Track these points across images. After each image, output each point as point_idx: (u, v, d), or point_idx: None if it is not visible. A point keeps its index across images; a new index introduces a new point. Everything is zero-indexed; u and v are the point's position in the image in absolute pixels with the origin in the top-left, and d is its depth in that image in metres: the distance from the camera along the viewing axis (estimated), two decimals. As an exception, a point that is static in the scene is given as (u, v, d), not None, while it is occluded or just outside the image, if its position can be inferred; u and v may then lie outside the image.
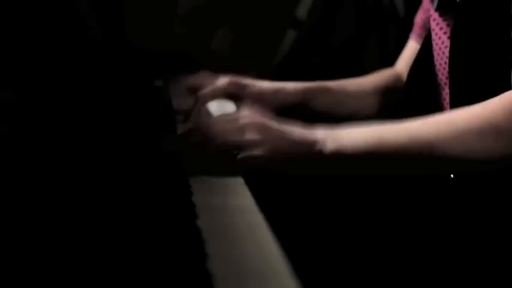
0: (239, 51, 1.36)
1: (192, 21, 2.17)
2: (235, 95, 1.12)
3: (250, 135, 0.75)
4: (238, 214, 0.62)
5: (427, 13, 1.10)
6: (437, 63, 0.95)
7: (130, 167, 0.76)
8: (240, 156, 0.74)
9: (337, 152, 0.75)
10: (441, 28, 0.92)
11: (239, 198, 0.67)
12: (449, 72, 0.89)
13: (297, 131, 0.77)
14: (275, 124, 0.77)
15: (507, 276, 0.83)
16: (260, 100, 1.10)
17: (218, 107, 1.10)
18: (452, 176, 0.91)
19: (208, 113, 1.05)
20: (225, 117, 0.80)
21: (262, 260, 0.52)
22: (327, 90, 1.17)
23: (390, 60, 1.30)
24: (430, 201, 0.95)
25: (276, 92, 1.13)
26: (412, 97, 1.03)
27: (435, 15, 0.93)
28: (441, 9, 0.91)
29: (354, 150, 0.75)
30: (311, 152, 0.75)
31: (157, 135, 0.96)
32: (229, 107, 1.12)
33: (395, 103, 1.18)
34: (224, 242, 0.55)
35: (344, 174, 0.80)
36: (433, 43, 0.95)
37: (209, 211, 0.62)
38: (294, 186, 1.11)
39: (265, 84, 1.14)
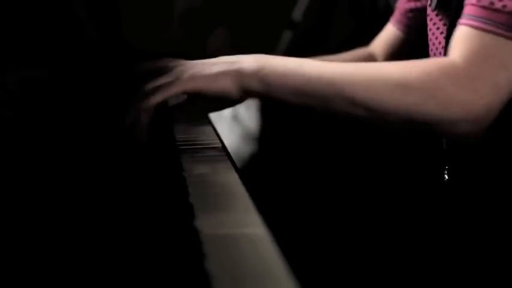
0: (236, 52, 1.37)
1: (188, 23, 2.17)
2: None
3: (174, 68, 0.80)
4: (235, 214, 0.62)
5: (410, 4, 1.11)
6: None
7: (127, 168, 0.76)
8: (165, 86, 0.78)
9: (256, 72, 0.78)
10: (438, 28, 0.93)
11: (236, 199, 0.67)
12: None
13: (221, 56, 0.82)
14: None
15: (504, 277, 0.83)
16: None
17: None
18: (446, 177, 0.91)
19: None
20: (147, 67, 0.84)
21: (260, 261, 0.52)
22: None
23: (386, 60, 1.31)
24: (426, 202, 0.95)
25: None
26: None
27: (432, 14, 0.94)
28: (439, 8, 0.92)
29: (271, 72, 0.78)
30: (231, 70, 0.78)
31: (154, 136, 0.96)
32: None
33: None
34: (222, 243, 0.55)
35: (260, 98, 0.82)
36: (430, 42, 0.95)
37: (206, 212, 0.62)
38: (292, 188, 1.12)
39: None
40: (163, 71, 0.81)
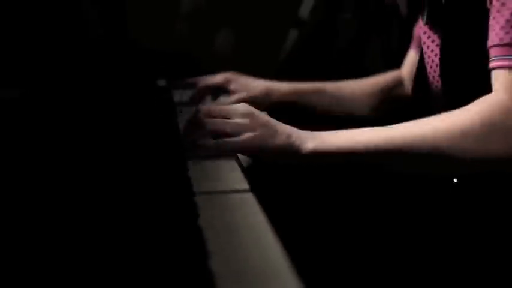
0: (241, 51, 1.37)
1: (194, 21, 2.17)
2: (230, 91, 1.24)
3: (237, 120, 0.81)
4: (239, 213, 0.63)
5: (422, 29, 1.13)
6: (430, 76, 0.95)
7: (132, 167, 0.76)
8: (226, 140, 0.80)
9: (315, 151, 0.80)
10: (433, 41, 0.93)
11: (242, 199, 0.67)
12: (442, 83, 0.90)
13: (283, 124, 0.82)
14: (263, 114, 0.82)
15: (508, 278, 0.83)
16: (253, 98, 1.19)
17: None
18: (455, 180, 0.90)
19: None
20: (216, 106, 0.85)
21: (264, 259, 0.52)
22: (322, 90, 1.23)
23: (392, 59, 1.32)
24: (433, 203, 0.95)
25: (269, 92, 1.22)
26: (414, 108, 1.05)
27: (425, 28, 0.94)
28: (431, 22, 0.92)
29: (333, 150, 0.80)
30: (291, 147, 0.79)
31: (159, 135, 0.96)
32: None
33: (397, 105, 1.22)
34: (225, 241, 0.55)
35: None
36: (425, 55, 0.95)
37: (210, 210, 0.63)
38: (296, 186, 1.12)
39: (259, 84, 1.23)
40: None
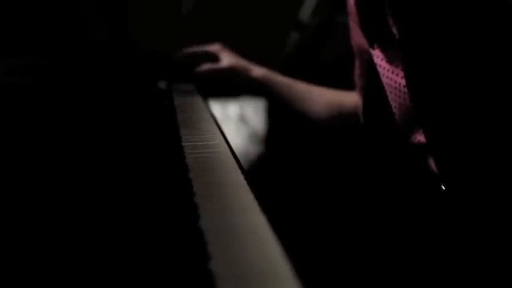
0: (242, 53, 1.38)
1: (195, 24, 2.17)
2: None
3: None
4: (240, 215, 0.62)
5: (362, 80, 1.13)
6: (391, 95, 0.94)
7: (132, 168, 0.76)
8: None
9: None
10: (382, 59, 0.93)
11: (241, 199, 0.67)
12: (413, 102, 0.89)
13: None
14: None
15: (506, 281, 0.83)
16: (232, 68, 1.33)
17: (221, 109, 1.11)
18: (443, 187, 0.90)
19: None
20: None
21: (264, 261, 0.52)
22: (293, 86, 1.33)
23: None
24: (426, 209, 0.95)
25: (247, 69, 1.32)
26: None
27: (374, 51, 0.94)
28: (379, 45, 0.93)
29: None
30: None
31: (159, 137, 0.96)
32: (232, 108, 1.14)
33: (348, 120, 1.25)
34: (226, 243, 0.55)
35: None
36: (383, 77, 0.94)
37: (211, 212, 0.62)
38: (296, 188, 1.12)
39: (242, 60, 1.35)
40: None
